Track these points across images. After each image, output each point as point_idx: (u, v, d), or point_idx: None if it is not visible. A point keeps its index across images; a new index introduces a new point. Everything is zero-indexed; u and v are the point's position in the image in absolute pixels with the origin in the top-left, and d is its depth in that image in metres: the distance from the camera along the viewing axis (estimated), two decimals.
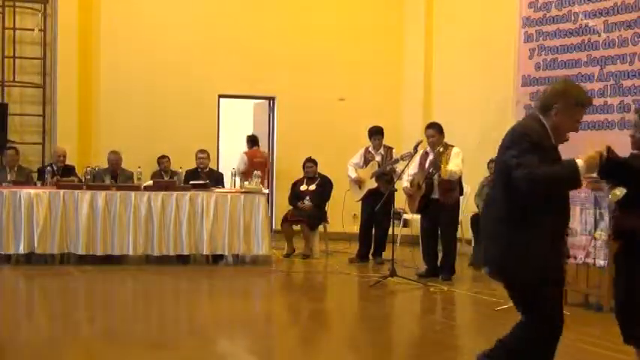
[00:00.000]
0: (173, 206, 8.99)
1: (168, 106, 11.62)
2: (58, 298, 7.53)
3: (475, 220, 10.25)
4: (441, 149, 8.23)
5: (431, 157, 8.37)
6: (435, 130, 8.36)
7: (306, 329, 6.53)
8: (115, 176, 9.89)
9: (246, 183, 9.52)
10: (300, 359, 5.50)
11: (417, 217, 9.00)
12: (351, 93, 12.35)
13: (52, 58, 11.28)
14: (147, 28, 11.59)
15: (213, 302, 7.48)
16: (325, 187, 10.03)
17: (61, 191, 8.88)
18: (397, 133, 11.55)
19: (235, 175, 9.93)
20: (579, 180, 3.72)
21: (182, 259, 9.22)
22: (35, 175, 9.91)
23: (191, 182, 9.60)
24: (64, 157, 10.16)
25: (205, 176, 10.10)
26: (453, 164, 8.17)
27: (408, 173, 8.52)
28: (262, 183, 9.82)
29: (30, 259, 8.93)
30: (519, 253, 3.67)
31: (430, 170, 8.26)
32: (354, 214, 10.85)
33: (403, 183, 8.56)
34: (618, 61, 8.95)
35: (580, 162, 3.73)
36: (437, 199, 8.27)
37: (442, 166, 8.09)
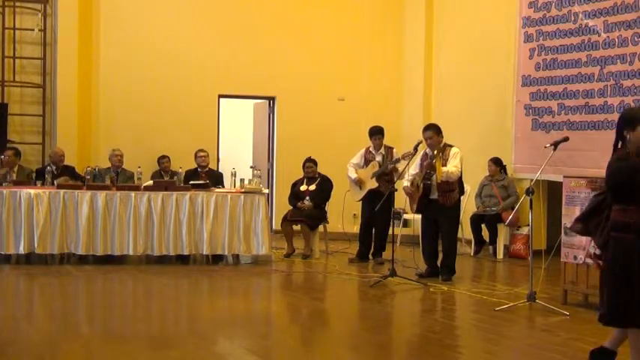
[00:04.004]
0: (173, 206, 8.99)
1: (168, 106, 11.63)
2: (58, 298, 7.54)
3: (475, 220, 10.27)
4: (440, 150, 8.21)
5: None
6: (432, 131, 8.34)
7: (306, 329, 6.52)
8: (116, 175, 9.90)
9: (246, 183, 9.52)
10: (300, 359, 5.51)
11: (417, 217, 9.00)
12: (351, 93, 12.35)
13: (52, 58, 11.29)
14: (147, 28, 11.60)
15: (213, 302, 7.48)
16: (325, 187, 10.02)
17: (61, 191, 8.88)
18: (397, 133, 11.55)
19: (235, 175, 9.93)
20: None
21: (182, 259, 9.23)
22: (34, 176, 9.89)
23: (191, 182, 9.60)
24: (63, 156, 10.17)
25: (205, 176, 10.11)
26: (451, 165, 8.15)
27: (409, 173, 8.51)
28: None
29: (30, 259, 8.93)
30: None
31: (427, 172, 8.25)
32: (354, 214, 10.87)
33: (404, 182, 8.56)
34: (618, 61, 8.96)
35: None
36: (436, 199, 8.26)
37: (437, 168, 8.06)
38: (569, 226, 6.52)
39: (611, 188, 4.36)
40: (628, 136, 4.36)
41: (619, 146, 4.44)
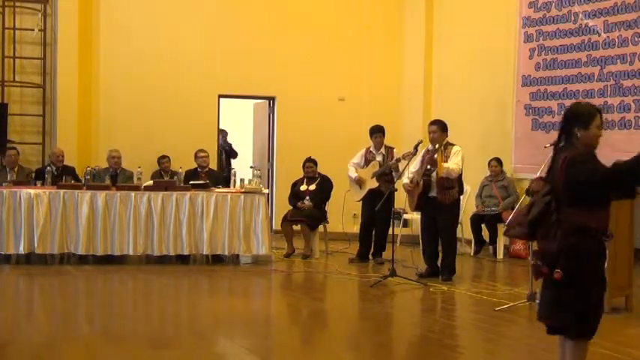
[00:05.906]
0: (173, 206, 8.99)
1: (168, 105, 11.62)
2: (58, 298, 7.54)
3: (475, 220, 10.27)
4: (442, 147, 8.21)
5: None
6: (437, 126, 8.36)
7: (306, 329, 6.53)
8: (115, 176, 9.91)
9: (246, 183, 9.52)
10: (300, 359, 5.51)
11: (417, 217, 9.00)
12: (351, 93, 12.35)
13: (52, 58, 11.28)
14: (147, 28, 11.59)
15: (213, 302, 7.48)
16: (325, 186, 10.02)
17: (61, 191, 8.88)
18: (397, 133, 11.55)
19: (235, 175, 9.93)
20: None
21: (182, 259, 9.23)
22: (34, 176, 9.89)
23: (191, 182, 9.60)
24: (63, 157, 10.17)
25: (205, 176, 10.11)
26: (452, 162, 8.16)
27: (409, 170, 8.52)
28: None
29: (30, 259, 8.93)
30: None
31: (427, 167, 8.26)
32: (354, 214, 10.86)
33: (404, 180, 8.56)
34: (618, 61, 8.96)
35: None
36: (435, 197, 8.25)
37: (439, 164, 8.08)
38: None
39: (571, 190, 3.93)
40: (578, 134, 3.96)
41: (561, 143, 4.04)
